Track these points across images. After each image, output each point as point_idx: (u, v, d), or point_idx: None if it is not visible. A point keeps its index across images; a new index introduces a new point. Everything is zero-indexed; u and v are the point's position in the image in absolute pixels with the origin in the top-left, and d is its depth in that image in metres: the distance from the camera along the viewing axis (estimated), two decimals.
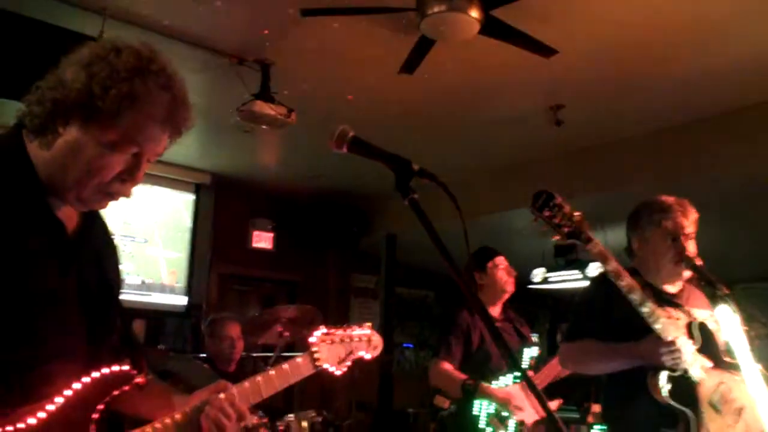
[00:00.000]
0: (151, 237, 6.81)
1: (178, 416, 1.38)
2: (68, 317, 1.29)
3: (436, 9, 3.50)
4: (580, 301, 2.56)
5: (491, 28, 3.65)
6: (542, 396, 1.18)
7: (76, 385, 1.22)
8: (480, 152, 6.15)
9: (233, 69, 4.50)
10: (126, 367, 1.27)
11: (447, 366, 3.42)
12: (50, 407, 1.19)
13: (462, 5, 3.49)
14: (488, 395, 3.29)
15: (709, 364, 2.29)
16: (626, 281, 2.17)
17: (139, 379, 1.28)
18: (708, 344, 2.32)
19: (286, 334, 3.94)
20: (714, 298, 2.46)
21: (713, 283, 2.39)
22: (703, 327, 2.34)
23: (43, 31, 3.63)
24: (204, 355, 4.33)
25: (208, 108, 5.04)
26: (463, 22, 3.55)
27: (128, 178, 1.28)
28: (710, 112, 5.07)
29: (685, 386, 2.21)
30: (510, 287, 3.60)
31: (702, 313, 2.45)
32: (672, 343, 2.16)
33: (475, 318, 3.51)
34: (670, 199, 2.45)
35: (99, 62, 1.23)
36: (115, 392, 1.26)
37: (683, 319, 2.36)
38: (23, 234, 1.23)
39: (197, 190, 7.17)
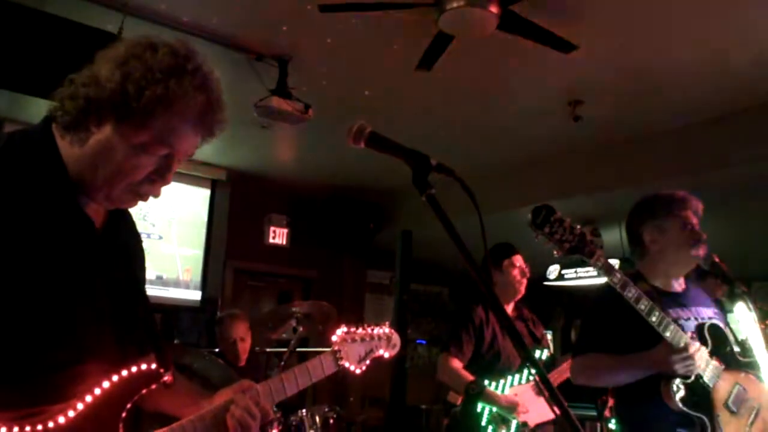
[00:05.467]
0: (167, 233, 6.83)
1: (203, 415, 1.38)
2: (98, 315, 1.28)
3: (454, 4, 3.48)
4: (588, 314, 2.53)
5: (510, 23, 3.62)
6: (557, 395, 1.15)
7: (106, 384, 1.22)
8: (497, 148, 6.10)
9: (251, 65, 4.51)
10: (154, 366, 1.26)
11: (456, 364, 3.41)
12: (80, 406, 1.19)
13: (481, 0, 3.46)
14: (493, 401, 3.26)
15: (722, 366, 2.26)
16: (633, 292, 2.13)
17: (166, 378, 1.28)
18: (719, 345, 2.30)
19: (301, 329, 3.95)
20: (731, 296, 2.44)
21: (731, 281, 2.39)
22: (713, 328, 2.32)
23: (64, 28, 3.63)
24: (218, 350, 4.37)
25: (225, 103, 5.04)
26: (481, 17, 3.52)
27: (158, 178, 1.27)
28: (730, 109, 5.00)
29: (699, 392, 2.19)
30: (522, 288, 3.58)
31: (706, 312, 2.43)
32: (684, 349, 2.13)
33: (489, 315, 3.49)
34: (681, 192, 2.48)
35: (134, 61, 1.20)
36: (143, 391, 1.26)
37: (692, 320, 2.34)
38: (54, 231, 1.21)
39: (213, 186, 7.19)
